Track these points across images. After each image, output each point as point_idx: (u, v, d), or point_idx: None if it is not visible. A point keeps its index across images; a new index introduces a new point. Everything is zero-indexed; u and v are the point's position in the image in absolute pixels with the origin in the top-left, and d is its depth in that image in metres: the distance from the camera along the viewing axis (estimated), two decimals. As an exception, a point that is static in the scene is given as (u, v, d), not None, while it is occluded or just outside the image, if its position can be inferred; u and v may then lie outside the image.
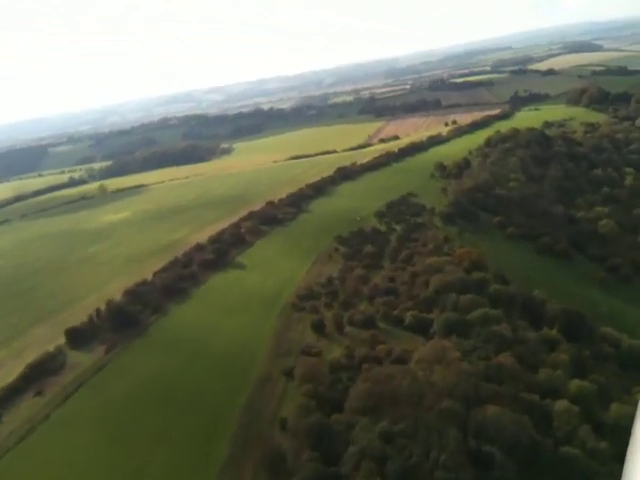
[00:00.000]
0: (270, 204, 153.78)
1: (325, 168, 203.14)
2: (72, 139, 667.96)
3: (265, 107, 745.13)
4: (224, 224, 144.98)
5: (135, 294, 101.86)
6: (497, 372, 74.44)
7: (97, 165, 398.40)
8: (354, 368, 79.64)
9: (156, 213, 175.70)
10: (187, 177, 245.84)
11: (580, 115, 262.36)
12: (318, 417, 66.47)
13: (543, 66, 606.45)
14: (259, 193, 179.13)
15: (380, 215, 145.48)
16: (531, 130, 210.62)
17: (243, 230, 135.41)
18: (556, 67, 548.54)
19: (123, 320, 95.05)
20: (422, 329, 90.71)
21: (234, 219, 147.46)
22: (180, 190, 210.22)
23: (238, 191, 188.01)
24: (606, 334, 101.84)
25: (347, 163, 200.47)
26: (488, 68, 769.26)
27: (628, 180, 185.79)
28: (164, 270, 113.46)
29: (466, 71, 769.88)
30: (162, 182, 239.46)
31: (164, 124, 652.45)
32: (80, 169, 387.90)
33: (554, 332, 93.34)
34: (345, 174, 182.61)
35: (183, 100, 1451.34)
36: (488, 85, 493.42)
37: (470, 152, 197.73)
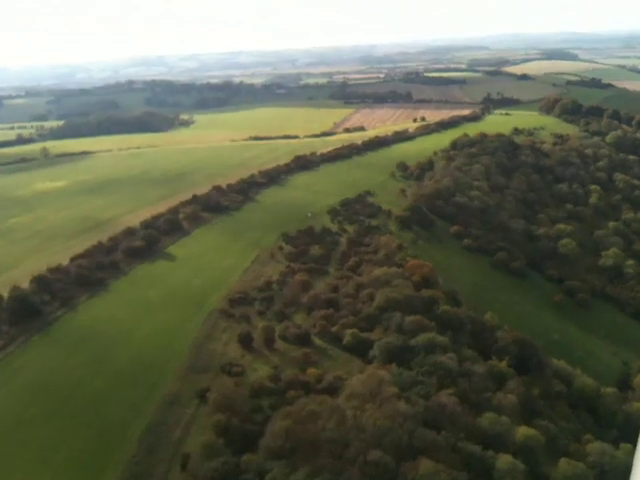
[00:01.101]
0: (217, 189, 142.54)
1: (283, 154, 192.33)
2: (30, 93, 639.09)
3: (236, 80, 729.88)
4: (163, 206, 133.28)
5: (44, 282, 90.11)
6: (437, 415, 65.77)
7: (49, 124, 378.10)
8: (279, 393, 70.09)
9: (94, 185, 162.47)
10: (138, 147, 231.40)
11: (551, 125, 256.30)
12: (225, 461, 56.72)
13: (518, 70, 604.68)
14: (208, 175, 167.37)
15: (333, 213, 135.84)
16: (499, 136, 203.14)
17: (181, 216, 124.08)
18: (531, 72, 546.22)
19: (25, 312, 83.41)
20: (361, 351, 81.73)
21: (175, 202, 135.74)
22: (126, 162, 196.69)
23: (187, 169, 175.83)
24: (558, 369, 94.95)
25: (307, 151, 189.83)
26: (463, 66, 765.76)
27: (593, 198, 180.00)
28: (84, 255, 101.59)
29: (441, 66, 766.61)
30: (110, 151, 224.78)
31: (128, 87, 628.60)
32: (32, 126, 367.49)
33: (503, 365, 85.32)
34: (303, 163, 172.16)
35: (155, 64, 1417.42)
36: (461, 83, 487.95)
37: (435, 153, 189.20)
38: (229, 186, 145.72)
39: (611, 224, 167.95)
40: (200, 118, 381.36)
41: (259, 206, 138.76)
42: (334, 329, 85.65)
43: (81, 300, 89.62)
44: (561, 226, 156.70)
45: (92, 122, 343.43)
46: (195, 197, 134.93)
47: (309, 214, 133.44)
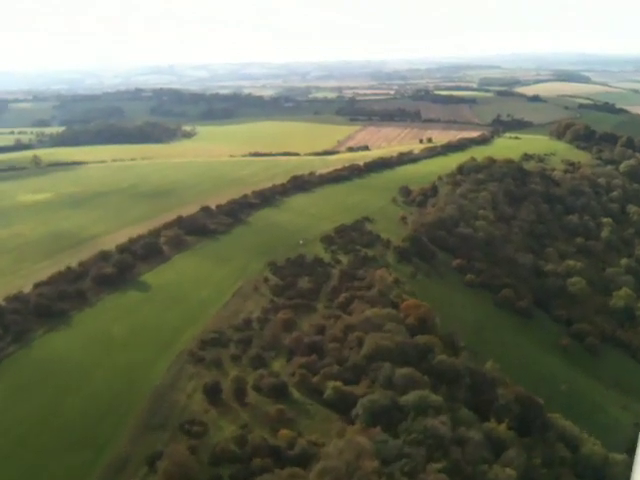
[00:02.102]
0: (205, 210, 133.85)
1: (281, 172, 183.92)
2: (38, 97, 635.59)
3: (245, 91, 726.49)
4: (146, 226, 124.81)
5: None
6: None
7: (51, 130, 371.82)
8: (243, 461, 61.17)
9: (80, 199, 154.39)
10: (132, 159, 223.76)
11: (562, 151, 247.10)
12: None
13: (529, 91, 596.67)
14: (200, 192, 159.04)
15: (327, 241, 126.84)
16: (508, 162, 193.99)
17: (162, 239, 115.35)
18: (542, 93, 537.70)
19: (-30, 348, 74.83)
20: (343, 408, 72.56)
21: (159, 222, 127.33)
22: (118, 174, 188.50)
23: (178, 185, 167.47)
24: (564, 431, 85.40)
25: (306, 171, 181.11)
26: (474, 84, 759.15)
27: (605, 232, 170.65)
28: (48, 282, 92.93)
29: (452, 84, 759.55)
30: (104, 162, 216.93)
31: (136, 95, 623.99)
32: (32, 132, 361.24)
33: (503, 428, 75.92)
34: (299, 184, 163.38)
35: (166, 72, 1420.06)
36: (471, 102, 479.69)
37: (440, 178, 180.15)
38: (219, 207, 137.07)
39: (623, 261, 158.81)
40: (203, 130, 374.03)
41: (249, 230, 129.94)
42: (315, 380, 76.55)
43: (37, 335, 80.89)
44: (570, 262, 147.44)
45: (92, 130, 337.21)
46: (180, 218, 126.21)
47: (301, 241, 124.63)
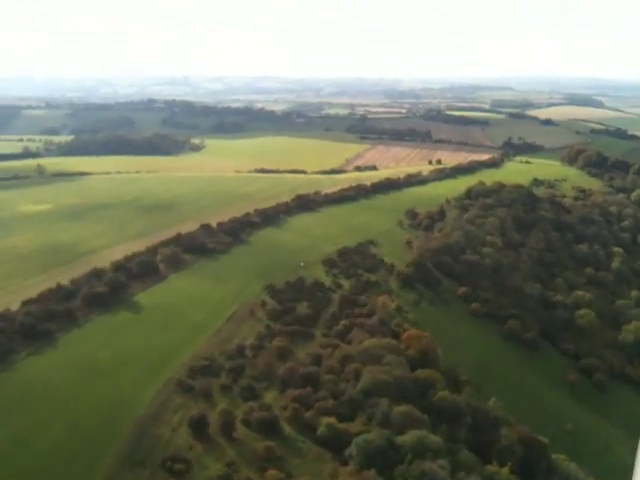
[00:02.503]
0: (205, 227, 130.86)
1: (285, 191, 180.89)
2: (51, 105, 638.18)
3: (258, 105, 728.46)
4: (144, 242, 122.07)
5: (-19, 332, 78.29)
6: None
7: (60, 139, 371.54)
8: (226, 503, 57.43)
9: (80, 211, 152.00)
10: (137, 172, 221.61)
11: (573, 177, 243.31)
12: None
13: (542, 114, 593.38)
14: (202, 207, 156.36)
15: (329, 264, 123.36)
16: (518, 187, 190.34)
17: (159, 257, 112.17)
18: (555, 117, 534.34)
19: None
20: (337, 446, 68.50)
21: (158, 238, 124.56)
22: (121, 187, 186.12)
23: (180, 200, 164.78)
24: (569, 475, 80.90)
25: (311, 189, 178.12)
26: (486, 106, 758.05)
27: (615, 262, 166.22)
28: (37, 300, 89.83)
29: (464, 105, 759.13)
30: (108, 173, 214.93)
31: (148, 106, 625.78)
32: (40, 140, 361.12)
33: (505, 472, 71.73)
34: (304, 203, 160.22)
35: (180, 83, 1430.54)
36: (483, 124, 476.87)
37: (448, 201, 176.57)
38: (219, 225, 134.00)
39: (634, 293, 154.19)
40: (212, 143, 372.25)
41: (249, 250, 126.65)
42: (308, 414, 72.70)
43: (20, 357, 77.57)
44: (580, 293, 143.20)
45: (100, 140, 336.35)
46: (179, 236, 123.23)
47: (302, 263, 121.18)
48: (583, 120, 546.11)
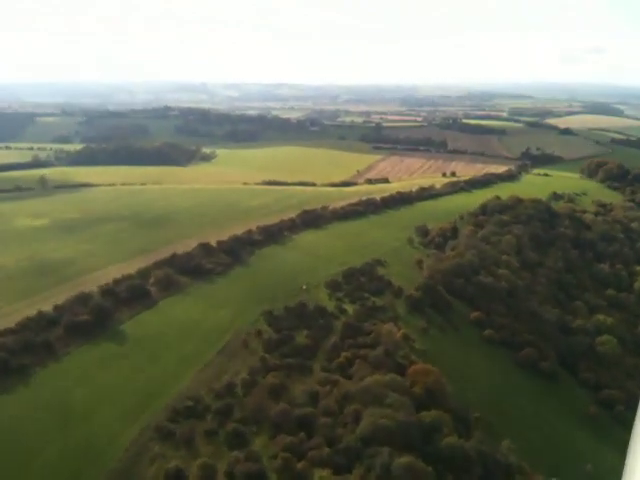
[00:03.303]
0: (203, 246, 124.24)
1: (293, 204, 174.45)
2: (65, 111, 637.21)
3: (273, 112, 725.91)
4: (138, 262, 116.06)
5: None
6: None
7: (70, 147, 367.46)
8: None
9: (77, 226, 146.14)
10: (143, 184, 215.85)
11: (593, 191, 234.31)
12: None
13: (561, 122, 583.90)
14: (203, 224, 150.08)
15: (333, 286, 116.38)
16: (536, 202, 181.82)
17: (152, 280, 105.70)
18: (574, 126, 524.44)
19: None
20: (330, 504, 61.63)
21: (154, 257, 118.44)
22: (123, 200, 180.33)
23: (182, 216, 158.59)
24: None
25: (319, 204, 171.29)
26: (504, 114, 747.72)
27: (638, 283, 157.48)
28: (15, 330, 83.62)
29: (482, 113, 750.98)
30: (113, 185, 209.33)
31: (163, 113, 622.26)
32: (51, 148, 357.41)
33: (518, 533, 64.41)
34: (310, 219, 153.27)
35: (197, 90, 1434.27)
36: (500, 134, 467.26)
37: (461, 217, 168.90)
38: (219, 243, 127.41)
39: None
40: (222, 153, 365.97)
41: (248, 271, 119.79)
42: (300, 466, 65.83)
43: (-12, 396, 71.27)
44: (600, 317, 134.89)
45: (109, 149, 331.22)
46: (174, 256, 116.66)
47: (304, 286, 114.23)
48: (603, 130, 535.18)
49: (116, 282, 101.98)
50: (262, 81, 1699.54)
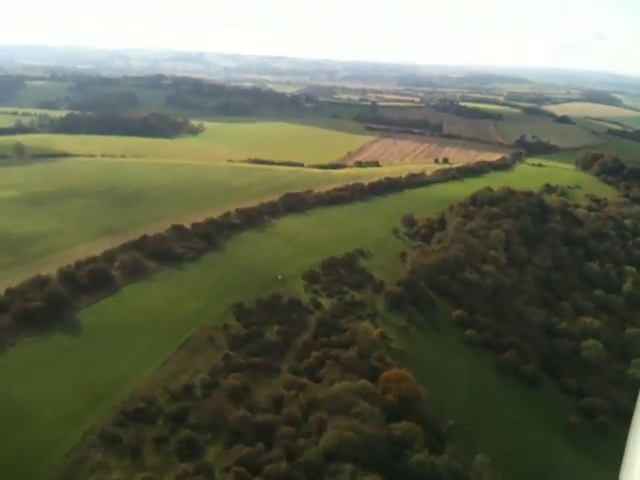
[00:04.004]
0: (177, 229, 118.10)
1: (276, 187, 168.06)
2: (56, 76, 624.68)
3: (269, 86, 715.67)
4: (105, 244, 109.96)
5: None
6: None
7: (56, 113, 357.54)
8: None
9: (47, 200, 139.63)
10: (124, 156, 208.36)
11: (587, 184, 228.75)
12: None
13: (558, 110, 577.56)
14: (180, 204, 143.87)
15: (311, 278, 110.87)
16: (527, 195, 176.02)
17: (117, 264, 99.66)
18: (571, 114, 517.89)
19: None
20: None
21: (121, 239, 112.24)
22: (100, 173, 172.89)
23: (160, 193, 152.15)
24: None
25: (304, 187, 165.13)
26: (502, 98, 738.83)
27: (627, 284, 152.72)
28: (-42, 317, 77.56)
29: (480, 96, 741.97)
30: (92, 156, 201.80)
31: (155, 82, 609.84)
32: (35, 114, 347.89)
33: None
34: (293, 204, 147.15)
35: (194, 60, 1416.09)
36: (497, 119, 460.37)
37: (451, 207, 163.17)
38: (194, 226, 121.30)
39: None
40: (212, 126, 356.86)
41: (222, 258, 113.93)
42: (254, 483, 60.64)
43: None
44: (587, 320, 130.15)
45: (95, 118, 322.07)
46: (144, 239, 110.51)
47: (280, 276, 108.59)
48: (600, 119, 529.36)
49: (78, 265, 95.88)
50: (260, 53, 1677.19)
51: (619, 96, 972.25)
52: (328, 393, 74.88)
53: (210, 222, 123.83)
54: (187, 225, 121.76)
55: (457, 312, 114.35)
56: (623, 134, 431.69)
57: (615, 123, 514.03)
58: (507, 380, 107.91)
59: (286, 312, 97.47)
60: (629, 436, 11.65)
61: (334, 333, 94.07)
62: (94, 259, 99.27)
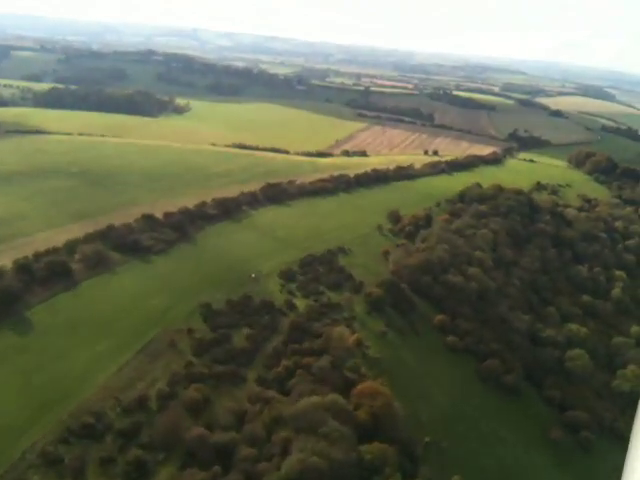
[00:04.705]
0: (147, 218, 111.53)
1: (258, 174, 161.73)
2: (45, 48, 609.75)
3: (262, 66, 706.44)
4: (71, 232, 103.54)
5: None
6: None
7: (40, 86, 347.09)
8: None
9: (16, 180, 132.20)
10: (103, 135, 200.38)
11: (579, 183, 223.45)
12: None
13: (552, 103, 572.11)
14: (155, 189, 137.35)
15: (287, 276, 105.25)
16: (517, 193, 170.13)
17: (78, 256, 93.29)
18: (564, 107, 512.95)
19: None
20: None
21: (89, 227, 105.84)
22: (75, 153, 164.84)
23: (133, 179, 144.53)
24: None
25: (287, 177, 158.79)
26: (496, 89, 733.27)
27: (616, 290, 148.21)
28: None
29: (474, 85, 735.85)
30: (70, 134, 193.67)
31: (146, 58, 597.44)
32: (18, 86, 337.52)
33: None
34: (274, 194, 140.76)
35: (188, 36, 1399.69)
36: (490, 110, 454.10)
37: (438, 204, 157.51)
38: (166, 216, 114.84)
39: (634, 329, 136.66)
40: (199, 106, 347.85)
41: (193, 251, 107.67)
42: (207, 511, 55.31)
43: None
44: (573, 327, 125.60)
45: (79, 93, 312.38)
46: (111, 228, 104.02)
47: (253, 274, 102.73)
48: (593, 114, 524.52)
49: (36, 256, 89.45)
50: (256, 32, 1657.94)
51: (613, 91, 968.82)
52: (295, 409, 69.54)
53: (184, 212, 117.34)
54: (160, 213, 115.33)
55: (439, 317, 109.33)
56: (617, 131, 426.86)
57: (609, 119, 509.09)
58: (488, 390, 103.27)
59: (257, 314, 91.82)
60: (630, 442, 11.53)
61: (307, 338, 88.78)
62: (54, 250, 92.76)
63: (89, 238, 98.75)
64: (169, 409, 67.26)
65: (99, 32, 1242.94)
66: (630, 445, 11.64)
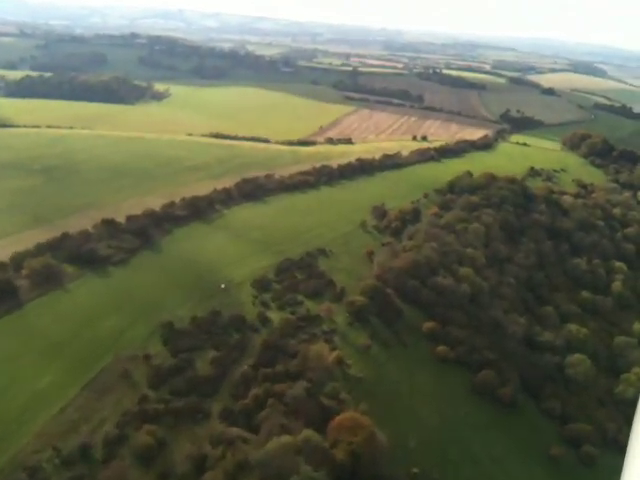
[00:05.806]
0: (106, 224, 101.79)
1: (235, 167, 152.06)
2: (24, 33, 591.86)
3: (249, 47, 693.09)
4: (25, 241, 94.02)
5: None
6: None
7: (12, 74, 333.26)
8: None
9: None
10: (72, 127, 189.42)
11: (574, 167, 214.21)
12: None
13: (543, 80, 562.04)
14: (122, 188, 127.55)
15: (260, 285, 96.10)
16: (510, 181, 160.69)
17: (25, 272, 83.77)
18: (556, 85, 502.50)
19: None
20: None
21: (45, 235, 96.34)
22: (39, 149, 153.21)
23: (100, 176, 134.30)
24: None
25: (269, 167, 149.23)
26: (487, 67, 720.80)
27: (616, 283, 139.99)
28: None
29: (464, 64, 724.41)
30: (37, 126, 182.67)
31: (128, 41, 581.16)
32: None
33: None
34: (250, 190, 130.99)
35: (174, 17, 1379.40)
36: (481, 89, 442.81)
37: (426, 195, 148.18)
38: (129, 219, 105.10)
39: (636, 326, 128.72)
40: (179, 91, 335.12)
41: (157, 260, 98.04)
42: None
43: None
44: (573, 328, 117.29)
45: (52, 81, 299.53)
46: (66, 237, 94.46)
47: (223, 285, 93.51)
48: (586, 92, 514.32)
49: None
50: (243, 12, 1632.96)
51: (604, 67, 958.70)
52: (263, 453, 60.74)
53: (149, 214, 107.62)
54: (122, 216, 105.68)
55: (428, 324, 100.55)
56: (610, 109, 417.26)
57: (602, 96, 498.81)
58: (483, 404, 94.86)
59: (226, 332, 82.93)
60: (629, 443, 11.92)
61: (281, 359, 79.94)
62: (1, 265, 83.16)
63: (40, 249, 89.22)
64: (116, 458, 58.35)
65: (84, 15, 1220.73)
66: (627, 451, 11.80)
